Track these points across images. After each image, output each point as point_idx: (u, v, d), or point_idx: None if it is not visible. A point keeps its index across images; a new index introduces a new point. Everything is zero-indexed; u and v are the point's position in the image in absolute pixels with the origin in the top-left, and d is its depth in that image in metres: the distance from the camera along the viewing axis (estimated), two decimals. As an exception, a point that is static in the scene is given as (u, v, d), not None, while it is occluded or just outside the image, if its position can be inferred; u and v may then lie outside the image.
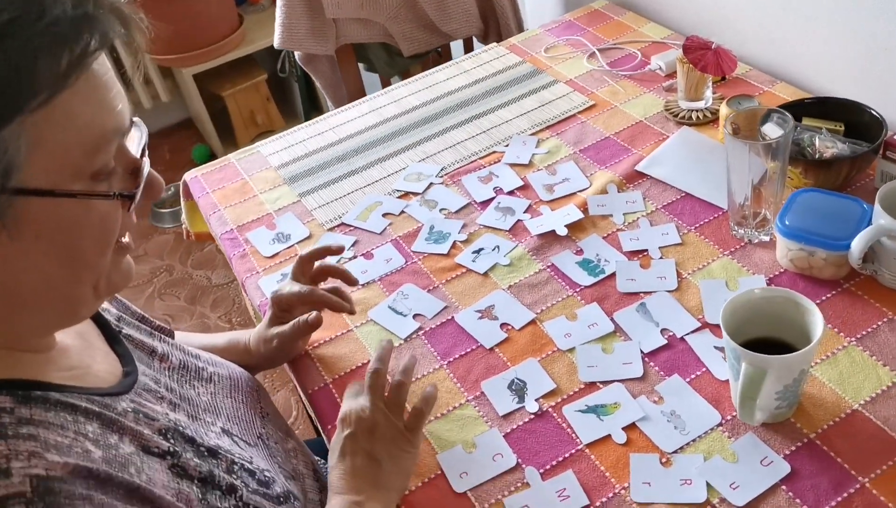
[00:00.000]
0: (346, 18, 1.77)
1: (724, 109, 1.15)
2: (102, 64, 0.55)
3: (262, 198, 1.32)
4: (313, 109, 2.89)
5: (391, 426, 0.81)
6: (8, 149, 0.49)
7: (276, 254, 1.20)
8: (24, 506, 0.48)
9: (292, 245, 1.21)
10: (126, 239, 0.62)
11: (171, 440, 0.65)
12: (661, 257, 1.04)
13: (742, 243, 1.04)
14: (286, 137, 1.46)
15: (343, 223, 1.22)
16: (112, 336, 0.73)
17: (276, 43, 1.80)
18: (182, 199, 1.45)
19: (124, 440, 0.60)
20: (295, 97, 2.94)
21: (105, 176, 0.56)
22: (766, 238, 1.02)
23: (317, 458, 1.04)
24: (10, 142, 0.49)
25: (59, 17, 0.50)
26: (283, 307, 0.96)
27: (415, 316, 1.04)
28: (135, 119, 0.61)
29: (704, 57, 1.16)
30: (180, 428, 0.67)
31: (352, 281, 1.01)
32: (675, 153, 1.18)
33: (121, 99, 0.56)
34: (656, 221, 1.10)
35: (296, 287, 0.96)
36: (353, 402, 0.82)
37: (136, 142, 0.60)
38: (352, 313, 0.98)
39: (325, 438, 0.94)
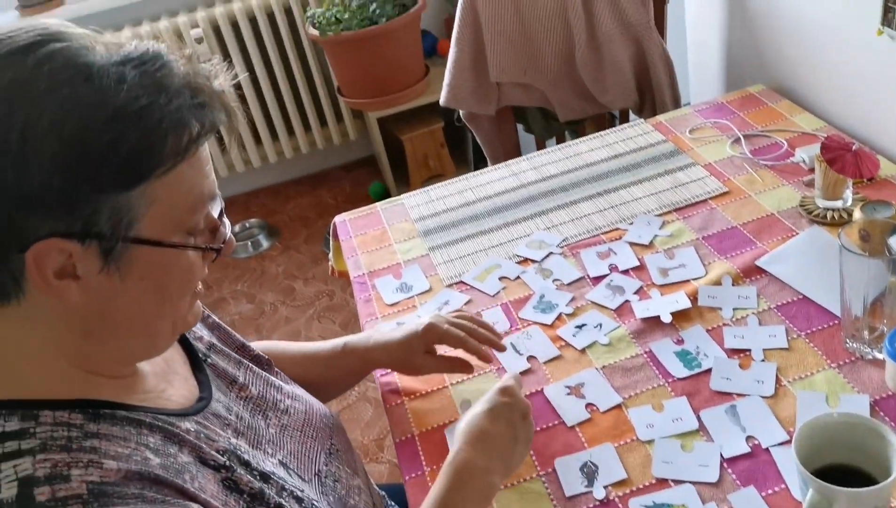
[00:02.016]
0: (509, 83, 1.85)
1: (856, 215, 1.09)
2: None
3: (395, 247, 1.41)
4: (482, 159, 2.99)
5: (531, 426, 0.90)
6: (133, 206, 0.61)
7: (397, 303, 1.28)
8: (81, 506, 0.56)
9: (412, 296, 1.28)
10: (199, 287, 0.72)
11: (228, 459, 0.72)
12: (763, 360, 1.01)
13: (853, 358, 0.98)
14: (429, 191, 1.56)
15: (462, 281, 1.29)
16: (197, 364, 0.83)
17: (442, 101, 1.91)
18: (331, 238, 1.59)
19: (183, 451, 0.68)
20: (467, 146, 3.07)
21: (195, 231, 0.67)
22: (881, 356, 0.96)
23: (391, 503, 1.10)
24: (137, 200, 0.61)
25: (181, 105, 0.62)
26: (432, 340, 1.04)
27: (529, 358, 1.11)
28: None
29: (842, 158, 1.11)
30: (238, 452, 0.74)
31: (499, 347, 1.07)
32: (800, 252, 1.14)
33: (211, 170, 0.68)
34: (766, 320, 1.06)
35: (454, 330, 1.03)
36: (513, 387, 0.91)
37: (216, 207, 0.71)
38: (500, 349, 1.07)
39: (405, 487, 0.99)
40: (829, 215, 1.19)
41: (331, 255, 1.61)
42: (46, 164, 0.56)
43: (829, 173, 1.16)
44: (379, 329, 1.13)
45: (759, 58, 1.67)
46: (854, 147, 1.13)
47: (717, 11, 1.80)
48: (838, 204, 1.19)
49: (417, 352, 1.04)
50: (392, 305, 1.28)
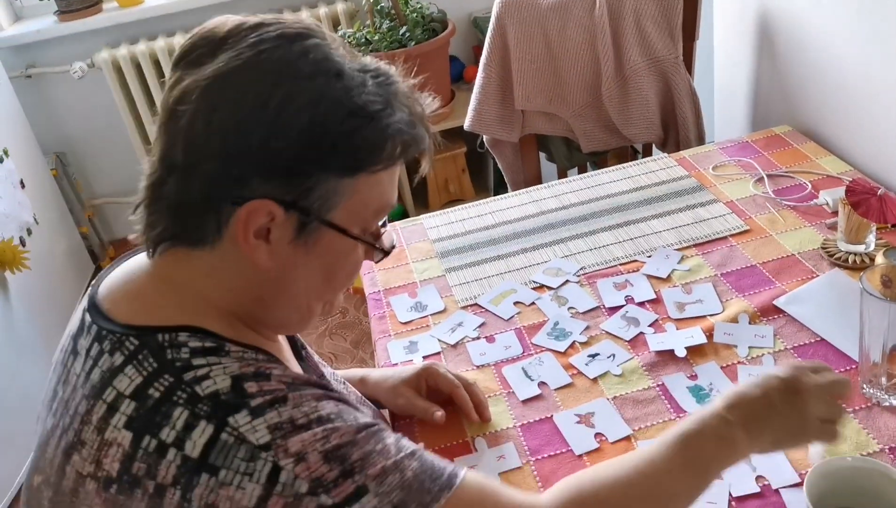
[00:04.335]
0: (534, 111, 1.86)
1: (879, 259, 1.08)
2: None
3: (412, 267, 1.42)
4: (502, 186, 3.00)
5: (805, 406, 0.78)
6: (340, 192, 0.69)
7: (410, 322, 1.28)
8: (285, 390, 0.66)
9: (426, 316, 1.28)
10: None
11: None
12: (776, 400, 1.00)
13: (869, 404, 0.97)
14: (449, 213, 1.56)
15: (476, 304, 1.28)
16: (299, 355, 0.91)
17: (467, 125, 1.92)
18: (348, 254, 1.59)
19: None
20: (488, 172, 3.08)
21: (369, 231, 0.75)
22: (898, 403, 0.95)
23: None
24: (346, 188, 0.69)
25: (401, 119, 0.70)
26: (429, 382, 1.07)
27: (540, 384, 1.10)
28: None
29: (867, 202, 1.11)
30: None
31: (484, 416, 1.06)
32: (819, 294, 1.13)
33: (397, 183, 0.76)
34: (782, 361, 1.05)
35: (451, 375, 1.06)
36: (806, 369, 0.81)
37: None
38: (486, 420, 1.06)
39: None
40: (850, 258, 1.18)
41: (347, 271, 1.62)
42: (292, 135, 0.65)
43: (853, 217, 1.15)
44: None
45: (785, 99, 1.67)
46: (879, 192, 1.13)
47: (745, 51, 1.81)
48: (861, 248, 1.18)
49: (408, 388, 1.06)
50: (406, 323, 1.28)
